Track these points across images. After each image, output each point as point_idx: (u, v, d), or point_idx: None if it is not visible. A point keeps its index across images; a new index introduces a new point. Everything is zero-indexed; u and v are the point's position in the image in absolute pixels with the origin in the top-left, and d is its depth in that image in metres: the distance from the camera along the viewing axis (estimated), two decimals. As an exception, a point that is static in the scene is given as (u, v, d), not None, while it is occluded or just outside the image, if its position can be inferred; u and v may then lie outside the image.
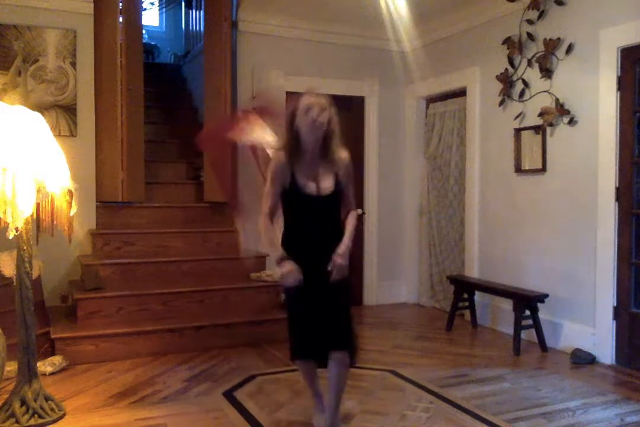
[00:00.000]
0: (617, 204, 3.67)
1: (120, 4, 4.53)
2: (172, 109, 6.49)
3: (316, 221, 2.57)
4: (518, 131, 4.37)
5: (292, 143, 2.49)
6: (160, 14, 9.56)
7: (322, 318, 2.52)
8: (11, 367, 3.13)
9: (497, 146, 4.59)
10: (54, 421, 2.78)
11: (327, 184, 2.52)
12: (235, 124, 3.45)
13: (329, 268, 2.49)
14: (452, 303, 4.65)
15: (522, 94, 4.32)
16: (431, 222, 5.43)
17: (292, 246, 2.58)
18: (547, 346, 4.02)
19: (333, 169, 2.54)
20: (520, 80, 4.32)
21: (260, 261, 4.75)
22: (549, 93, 4.09)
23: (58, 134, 4.25)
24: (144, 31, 5.68)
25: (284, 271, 2.48)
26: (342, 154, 2.57)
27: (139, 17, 4.90)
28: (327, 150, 2.50)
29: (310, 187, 2.50)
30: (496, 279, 4.55)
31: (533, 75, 4.23)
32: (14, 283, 2.84)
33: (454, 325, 4.61)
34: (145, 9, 7.26)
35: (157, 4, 9.02)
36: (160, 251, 4.59)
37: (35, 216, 2.76)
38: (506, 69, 4.44)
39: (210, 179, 4.99)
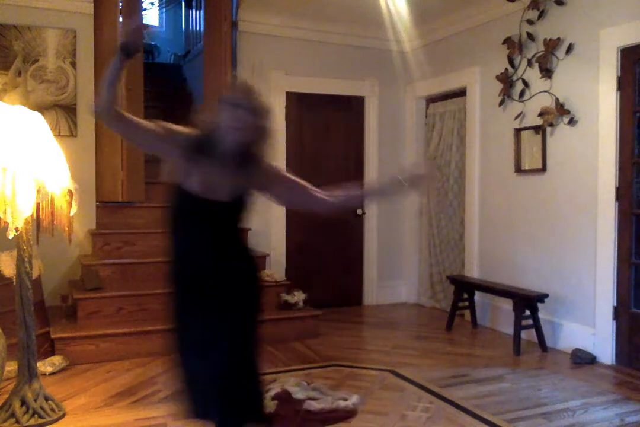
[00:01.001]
0: (617, 204, 3.67)
1: (120, 4, 4.53)
2: (172, 109, 6.48)
3: (204, 236, 1.99)
4: (518, 131, 4.37)
5: (206, 135, 1.98)
6: (160, 14, 9.57)
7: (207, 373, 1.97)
8: (11, 367, 3.13)
9: (497, 146, 4.59)
10: (54, 421, 2.78)
11: (228, 189, 1.97)
12: None
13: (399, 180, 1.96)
14: (452, 303, 4.64)
15: (522, 94, 4.32)
16: (431, 222, 5.43)
17: (173, 267, 2.06)
18: (547, 346, 4.02)
19: (244, 178, 2.00)
20: (520, 80, 4.32)
21: (260, 261, 4.75)
22: (549, 93, 4.09)
23: (58, 134, 4.25)
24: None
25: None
26: (264, 163, 2.05)
27: (139, 17, 4.90)
28: (246, 159, 1.99)
29: (204, 186, 1.94)
30: (496, 279, 4.55)
31: (533, 75, 4.23)
32: (14, 283, 2.84)
33: (454, 325, 4.60)
34: (145, 9, 7.26)
35: (157, 4, 9.02)
36: (160, 251, 4.56)
37: (35, 216, 2.76)
38: (506, 69, 4.44)
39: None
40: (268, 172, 2.05)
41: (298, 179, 2.10)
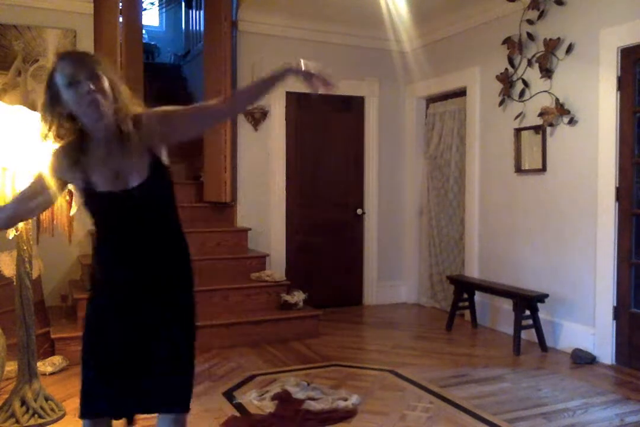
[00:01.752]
0: (617, 204, 3.67)
1: (120, 4, 4.53)
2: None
3: (129, 237, 1.75)
4: (518, 131, 4.37)
5: (66, 129, 1.71)
6: (160, 14, 9.56)
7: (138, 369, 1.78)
8: (11, 367, 3.13)
9: (497, 146, 4.59)
10: (54, 421, 2.78)
11: (136, 171, 1.70)
12: None
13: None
14: (452, 303, 4.64)
15: (522, 94, 4.32)
16: (431, 222, 5.43)
17: (99, 280, 1.84)
18: (547, 346, 4.02)
19: (141, 147, 1.71)
20: (520, 80, 4.32)
21: (260, 261, 4.75)
22: (549, 93, 4.09)
23: (58, 134, 4.25)
24: (144, 31, 5.68)
25: None
26: (140, 116, 1.72)
27: (139, 17, 4.90)
28: (122, 131, 1.69)
29: (109, 182, 1.69)
30: (496, 279, 4.55)
31: (533, 75, 4.23)
32: (14, 283, 2.84)
33: (454, 325, 4.60)
34: (145, 9, 7.26)
35: (157, 4, 9.02)
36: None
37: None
38: (506, 69, 4.44)
39: (210, 179, 4.99)
40: (160, 121, 1.73)
41: (189, 107, 1.78)
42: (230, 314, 4.21)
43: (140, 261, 1.76)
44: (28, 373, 2.80)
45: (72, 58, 1.68)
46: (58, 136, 1.72)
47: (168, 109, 1.75)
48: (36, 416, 2.75)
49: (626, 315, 3.65)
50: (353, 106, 5.51)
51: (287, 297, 4.39)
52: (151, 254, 1.77)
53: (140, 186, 1.69)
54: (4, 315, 3.34)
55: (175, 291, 1.82)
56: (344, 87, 5.39)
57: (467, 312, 4.75)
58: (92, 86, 1.61)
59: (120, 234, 1.76)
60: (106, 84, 1.65)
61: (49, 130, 1.70)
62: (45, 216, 2.79)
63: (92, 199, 1.73)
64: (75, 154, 1.71)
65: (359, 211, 5.53)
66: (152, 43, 8.57)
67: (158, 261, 1.78)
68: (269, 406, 2.95)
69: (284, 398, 3.01)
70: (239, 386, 3.30)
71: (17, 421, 2.70)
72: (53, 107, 1.67)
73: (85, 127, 1.70)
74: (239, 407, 2.98)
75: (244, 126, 5.01)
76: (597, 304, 3.78)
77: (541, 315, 4.02)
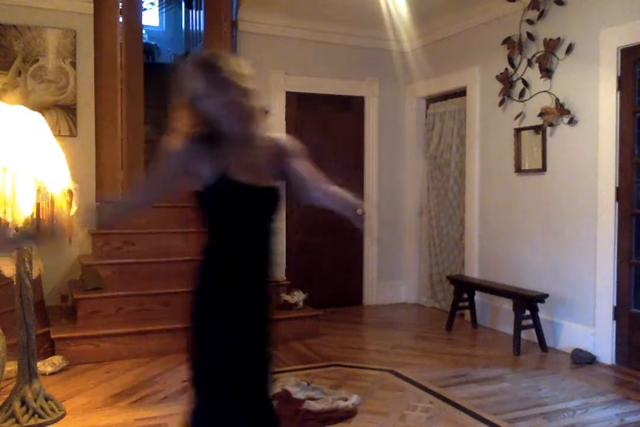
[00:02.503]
0: (617, 204, 3.67)
1: (120, 4, 4.54)
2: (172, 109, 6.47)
3: (251, 232, 1.75)
4: (518, 131, 4.37)
5: (202, 132, 1.73)
6: (160, 14, 9.55)
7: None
8: (11, 367, 3.13)
9: (497, 146, 4.59)
10: (54, 421, 2.78)
11: (265, 174, 1.75)
12: None
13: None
14: (452, 303, 4.64)
15: (522, 94, 4.32)
16: (431, 222, 5.43)
17: (224, 284, 1.75)
18: (547, 346, 4.02)
19: (269, 160, 1.77)
20: (520, 80, 4.32)
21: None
22: (549, 93, 4.09)
23: (58, 134, 4.24)
24: (144, 31, 5.68)
25: None
26: (280, 139, 1.83)
27: (139, 17, 4.91)
28: (249, 135, 1.74)
29: (243, 174, 1.69)
30: (496, 279, 4.55)
31: (533, 75, 4.23)
32: (14, 283, 2.84)
33: (454, 325, 4.60)
34: (145, 9, 7.26)
35: (157, 4, 9.02)
36: (161, 251, 4.58)
37: (35, 215, 2.75)
38: (506, 69, 4.44)
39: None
40: (290, 162, 1.79)
41: (314, 179, 1.85)
42: (230, 314, 4.20)
43: (246, 256, 1.75)
44: (28, 373, 2.80)
45: (207, 68, 1.71)
46: (189, 126, 1.74)
47: (306, 163, 1.81)
48: (36, 416, 2.75)
49: (626, 315, 3.65)
50: (353, 106, 5.51)
51: (287, 297, 4.39)
52: (256, 252, 1.77)
53: (268, 188, 1.74)
54: (4, 315, 3.34)
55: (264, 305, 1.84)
56: (344, 87, 5.40)
57: (467, 312, 4.75)
58: (227, 98, 1.65)
59: (234, 230, 1.73)
60: (238, 93, 1.67)
61: (182, 120, 1.74)
62: (45, 215, 2.79)
63: (222, 187, 1.67)
64: (208, 142, 1.71)
65: (359, 211, 5.51)
66: (152, 43, 8.56)
67: (259, 262, 1.79)
68: (269, 406, 2.94)
69: (284, 398, 3.01)
70: (239, 386, 3.30)
71: (17, 421, 2.70)
72: (193, 106, 1.72)
73: (218, 124, 1.71)
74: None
75: (244, 126, 5.00)
76: (597, 304, 3.78)
77: (541, 315, 4.02)
